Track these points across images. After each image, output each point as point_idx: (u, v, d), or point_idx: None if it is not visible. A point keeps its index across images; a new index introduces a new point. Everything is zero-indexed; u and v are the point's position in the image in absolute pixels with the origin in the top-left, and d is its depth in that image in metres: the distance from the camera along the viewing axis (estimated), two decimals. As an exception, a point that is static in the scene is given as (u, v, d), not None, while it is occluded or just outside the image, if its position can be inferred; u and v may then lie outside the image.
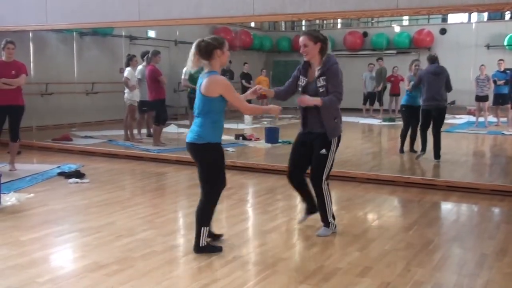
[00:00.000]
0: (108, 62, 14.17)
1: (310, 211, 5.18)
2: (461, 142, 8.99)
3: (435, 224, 5.52)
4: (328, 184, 4.89)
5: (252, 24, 19.05)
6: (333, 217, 4.97)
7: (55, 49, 13.14)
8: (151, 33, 14.48)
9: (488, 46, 16.31)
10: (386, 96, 15.59)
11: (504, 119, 13.46)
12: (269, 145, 10.54)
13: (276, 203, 6.30)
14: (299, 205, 6.22)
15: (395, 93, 15.99)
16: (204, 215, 4.38)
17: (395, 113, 15.86)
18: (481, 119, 13.44)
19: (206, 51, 4.24)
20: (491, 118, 13.92)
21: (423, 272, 4.01)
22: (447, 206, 6.30)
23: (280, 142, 10.70)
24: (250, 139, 11.13)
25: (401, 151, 9.40)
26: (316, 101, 4.70)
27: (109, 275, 3.89)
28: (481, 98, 13.24)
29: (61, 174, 7.54)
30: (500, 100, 13.08)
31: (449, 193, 6.65)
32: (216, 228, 5.17)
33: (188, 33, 13.97)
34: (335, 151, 4.87)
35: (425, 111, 8.78)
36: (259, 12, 7.69)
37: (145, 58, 10.48)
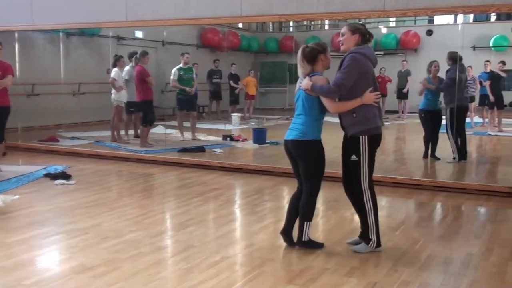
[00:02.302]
0: (95, 63, 14.10)
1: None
2: (447, 143, 9.06)
3: (422, 224, 5.55)
4: (370, 194, 4.40)
5: (240, 25, 19.08)
6: (377, 235, 4.44)
7: (41, 49, 13.05)
8: (139, 34, 14.44)
9: (474, 47, 16.47)
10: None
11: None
12: (257, 145, 10.55)
13: (264, 204, 6.30)
14: (287, 205, 6.22)
15: (382, 94, 16.07)
16: (306, 210, 4.48)
17: (382, 113, 15.95)
18: (467, 119, 13.54)
19: (311, 56, 4.38)
20: (477, 119, 14.05)
21: (410, 271, 4.03)
22: (433, 206, 6.34)
23: (267, 143, 10.71)
24: (238, 140, 11.13)
25: (426, 155, 8.90)
26: (307, 84, 4.31)
27: (96, 277, 3.87)
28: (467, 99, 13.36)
29: (47, 175, 7.48)
30: (486, 101, 13.21)
31: (436, 193, 6.70)
32: (203, 228, 5.18)
33: (176, 34, 14.00)
34: (368, 152, 4.31)
35: (462, 109, 8.66)
36: (246, 13, 7.69)
37: (133, 58, 10.45)
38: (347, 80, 4.20)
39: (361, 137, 4.31)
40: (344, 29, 4.41)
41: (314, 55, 4.38)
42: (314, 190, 4.52)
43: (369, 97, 4.27)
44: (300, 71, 4.46)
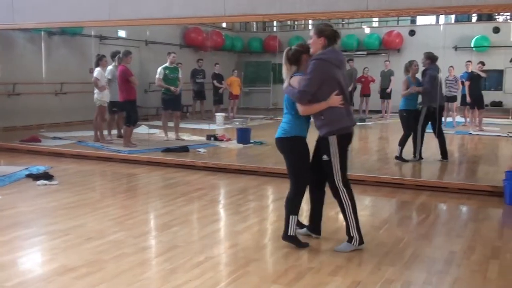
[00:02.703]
0: (78, 62, 13.99)
1: (311, 229, 4.85)
2: (430, 142, 9.13)
3: (405, 223, 5.59)
4: (346, 192, 4.49)
5: (224, 25, 19.05)
6: (358, 232, 4.49)
7: (22, 48, 12.91)
8: (121, 33, 14.35)
9: (456, 48, 16.64)
10: (357, 97, 15.74)
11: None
12: (241, 145, 10.54)
13: (248, 203, 6.30)
14: (271, 205, 6.24)
15: (365, 94, 16.18)
16: (291, 204, 4.59)
17: (366, 113, 16.06)
18: (449, 119, 13.69)
19: (294, 58, 4.52)
20: (459, 118, 14.20)
21: (394, 270, 4.06)
22: (416, 205, 6.39)
23: (251, 143, 10.71)
24: (222, 140, 11.12)
25: (402, 158, 8.73)
26: (285, 86, 4.54)
27: (79, 278, 3.84)
28: (449, 99, 13.49)
29: (29, 176, 7.40)
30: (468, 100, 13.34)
31: (419, 192, 6.75)
32: (187, 229, 5.16)
33: (159, 33, 13.95)
34: (338, 151, 4.41)
35: (440, 109, 8.83)
36: (230, 13, 7.68)
37: (115, 58, 10.38)
38: (310, 87, 4.33)
39: (329, 137, 4.43)
40: (311, 32, 4.52)
41: (297, 57, 4.53)
42: (298, 185, 4.61)
43: (335, 99, 4.39)
44: (285, 73, 4.57)
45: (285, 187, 7.01)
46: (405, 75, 8.93)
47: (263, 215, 5.68)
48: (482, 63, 13.03)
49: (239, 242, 4.74)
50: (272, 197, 6.83)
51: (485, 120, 13.29)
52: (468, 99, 12.98)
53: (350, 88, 15.60)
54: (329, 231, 5.09)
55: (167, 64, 10.95)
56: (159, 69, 10.88)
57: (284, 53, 4.55)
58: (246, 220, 5.52)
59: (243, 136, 10.82)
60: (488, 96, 13.84)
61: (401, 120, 8.89)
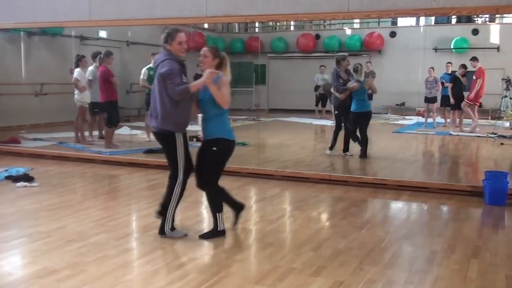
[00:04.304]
0: (58, 63, 13.86)
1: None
2: (411, 143, 9.22)
3: (387, 223, 5.64)
4: (179, 184, 4.79)
5: (206, 26, 19.00)
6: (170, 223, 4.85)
7: (1, 49, 12.74)
8: (102, 34, 14.25)
9: (436, 49, 16.83)
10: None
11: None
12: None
13: (231, 204, 6.28)
14: (254, 206, 6.25)
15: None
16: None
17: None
18: (429, 120, 13.83)
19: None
20: (439, 119, 14.35)
21: (375, 270, 4.09)
22: (398, 205, 6.45)
23: (234, 144, 10.68)
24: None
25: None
26: None
27: (60, 280, 3.81)
28: (429, 100, 13.65)
29: (9, 177, 7.30)
30: (448, 101, 13.49)
31: (400, 192, 6.81)
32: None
33: (141, 34, 13.87)
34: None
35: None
36: (212, 13, 7.67)
37: (96, 59, 10.30)
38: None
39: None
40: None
41: None
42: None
43: None
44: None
45: (268, 187, 7.06)
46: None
47: (245, 216, 5.66)
48: (464, 67, 13.14)
49: (222, 243, 4.73)
50: (255, 198, 6.83)
51: (465, 121, 13.45)
52: (451, 100, 13.10)
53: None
54: (311, 232, 5.12)
55: (151, 65, 10.88)
56: (143, 70, 10.80)
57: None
58: (229, 221, 5.50)
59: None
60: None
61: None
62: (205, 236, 4.83)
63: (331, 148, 9.51)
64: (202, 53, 4.86)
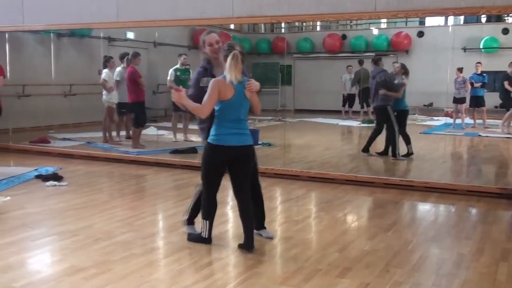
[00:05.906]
0: (86, 64, 14.05)
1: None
2: (439, 144, 9.09)
3: (414, 225, 5.57)
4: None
5: (232, 26, 19.06)
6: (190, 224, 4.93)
7: (32, 50, 12.98)
8: (130, 35, 14.40)
9: (464, 49, 16.57)
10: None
11: (480, 121, 13.68)
12: (249, 147, 10.51)
13: (256, 205, 6.28)
14: (279, 206, 6.24)
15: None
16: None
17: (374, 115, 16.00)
18: (458, 120, 13.63)
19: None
20: (468, 120, 14.13)
21: (402, 272, 4.04)
22: (425, 207, 6.37)
23: (260, 144, 10.69)
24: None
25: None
26: (258, 85, 5.09)
27: (87, 278, 3.85)
28: (458, 100, 13.43)
29: (39, 177, 7.43)
30: (476, 102, 13.27)
31: (427, 194, 6.72)
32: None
33: (167, 35, 13.98)
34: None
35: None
36: (238, 14, 7.67)
37: (124, 59, 10.41)
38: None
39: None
40: (218, 37, 5.00)
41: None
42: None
43: None
44: (239, 77, 4.73)
45: (293, 188, 7.04)
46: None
47: (271, 215, 5.66)
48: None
49: (247, 244, 4.73)
50: (281, 198, 6.82)
51: (494, 121, 13.20)
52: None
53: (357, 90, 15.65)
54: (337, 233, 5.09)
55: (178, 66, 10.96)
56: (171, 71, 10.88)
57: (238, 56, 4.66)
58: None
59: (252, 137, 10.77)
60: (497, 97, 13.72)
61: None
62: (189, 238, 4.74)
63: (366, 150, 9.34)
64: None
